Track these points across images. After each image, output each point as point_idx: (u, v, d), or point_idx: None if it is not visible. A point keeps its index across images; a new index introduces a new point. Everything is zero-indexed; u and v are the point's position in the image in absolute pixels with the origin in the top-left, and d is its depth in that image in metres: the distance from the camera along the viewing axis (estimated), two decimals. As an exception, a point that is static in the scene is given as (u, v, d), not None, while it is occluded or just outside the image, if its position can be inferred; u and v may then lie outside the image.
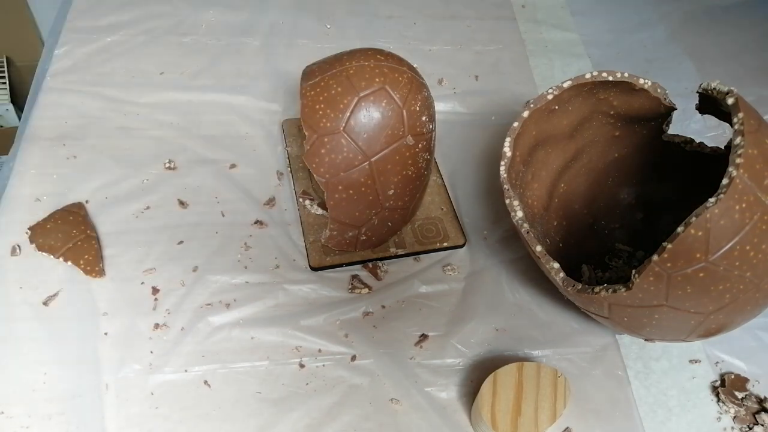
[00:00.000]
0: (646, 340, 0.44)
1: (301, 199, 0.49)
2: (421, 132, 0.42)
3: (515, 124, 0.41)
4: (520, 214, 0.39)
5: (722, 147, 0.44)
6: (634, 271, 0.33)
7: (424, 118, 0.42)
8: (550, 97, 0.41)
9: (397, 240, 0.48)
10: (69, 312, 0.42)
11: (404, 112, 0.40)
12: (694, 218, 0.31)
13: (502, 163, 0.40)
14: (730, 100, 0.34)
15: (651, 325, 0.36)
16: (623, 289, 0.34)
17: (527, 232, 0.39)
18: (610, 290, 0.35)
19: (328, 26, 0.65)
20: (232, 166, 0.52)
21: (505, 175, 0.40)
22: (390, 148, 0.40)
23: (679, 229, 0.31)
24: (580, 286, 0.37)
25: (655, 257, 0.32)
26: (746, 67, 0.65)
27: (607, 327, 0.44)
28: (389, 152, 0.41)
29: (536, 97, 0.41)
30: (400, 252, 0.47)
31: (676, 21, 0.70)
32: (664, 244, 0.32)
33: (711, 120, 0.58)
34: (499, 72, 0.63)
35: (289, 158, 0.52)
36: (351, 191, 0.41)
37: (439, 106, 0.59)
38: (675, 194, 0.48)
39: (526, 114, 0.41)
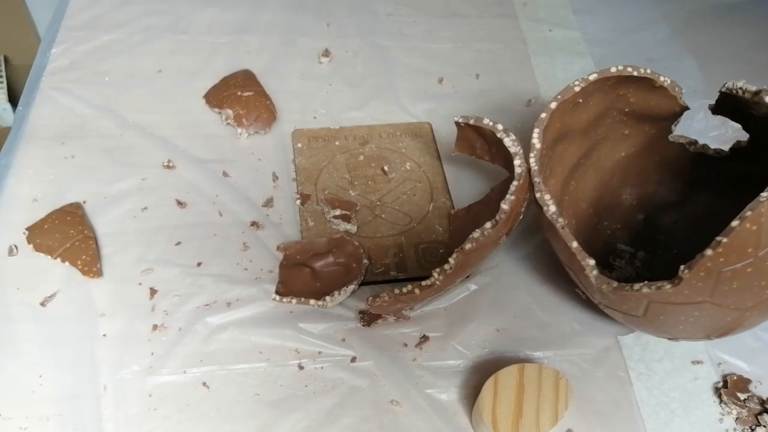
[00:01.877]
0: (669, 339, 0.43)
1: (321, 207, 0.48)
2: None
3: (543, 115, 0.40)
4: (553, 208, 0.38)
5: (726, 149, 0.44)
6: (683, 266, 0.32)
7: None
8: (577, 89, 0.40)
9: (398, 262, 0.47)
10: (67, 313, 0.42)
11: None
12: (749, 212, 0.30)
13: (532, 154, 0.39)
14: (767, 98, 0.34)
15: (687, 323, 0.35)
16: (669, 286, 0.33)
17: (563, 227, 0.37)
18: (653, 287, 0.33)
19: (328, 24, 0.65)
20: (231, 165, 0.52)
21: (537, 168, 0.39)
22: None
23: (734, 223, 0.30)
24: (616, 283, 0.35)
25: (708, 252, 0.31)
26: (750, 65, 0.65)
27: (630, 327, 0.43)
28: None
29: (563, 89, 0.40)
30: (401, 276, 0.46)
31: (679, 19, 0.69)
32: (718, 238, 0.31)
33: (713, 120, 0.58)
34: (500, 70, 0.62)
35: (296, 170, 0.52)
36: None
37: (440, 106, 0.58)
38: (676, 195, 0.47)
39: (554, 105, 0.40)
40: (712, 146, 0.44)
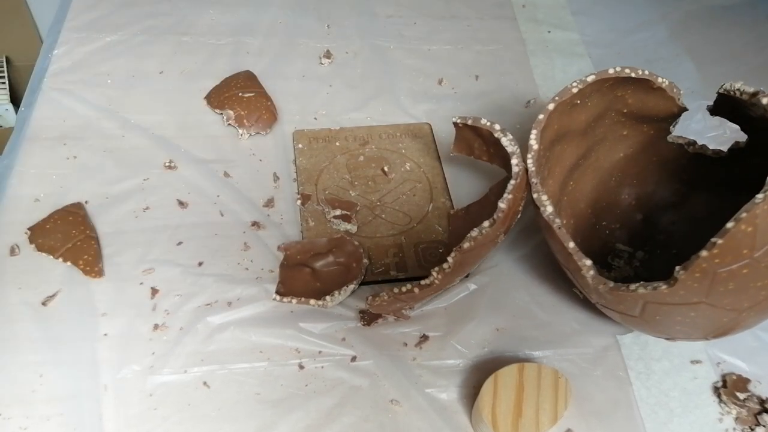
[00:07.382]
0: (667, 339, 0.43)
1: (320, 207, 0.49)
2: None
3: (540, 117, 0.40)
4: (550, 209, 0.38)
5: (724, 150, 0.44)
6: (678, 267, 0.32)
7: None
8: (574, 90, 0.40)
9: (398, 262, 0.47)
10: (68, 312, 0.42)
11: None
12: (744, 214, 0.30)
13: (530, 156, 0.39)
14: (764, 100, 0.34)
15: (684, 323, 0.35)
16: (664, 286, 0.33)
17: (559, 228, 0.37)
18: (649, 287, 0.34)
19: (328, 26, 0.65)
20: (232, 166, 0.52)
21: (534, 169, 0.39)
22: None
23: (729, 224, 0.30)
24: (612, 284, 0.36)
25: (703, 253, 0.31)
26: (747, 66, 0.65)
27: (627, 327, 0.43)
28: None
29: (561, 90, 0.40)
30: (401, 276, 0.46)
31: (677, 21, 0.70)
32: (713, 239, 0.31)
33: (711, 121, 0.58)
34: (500, 72, 0.63)
35: (297, 171, 0.52)
36: None
37: (440, 107, 0.58)
38: (674, 195, 0.48)
39: (551, 106, 0.40)
40: (711, 147, 0.45)
